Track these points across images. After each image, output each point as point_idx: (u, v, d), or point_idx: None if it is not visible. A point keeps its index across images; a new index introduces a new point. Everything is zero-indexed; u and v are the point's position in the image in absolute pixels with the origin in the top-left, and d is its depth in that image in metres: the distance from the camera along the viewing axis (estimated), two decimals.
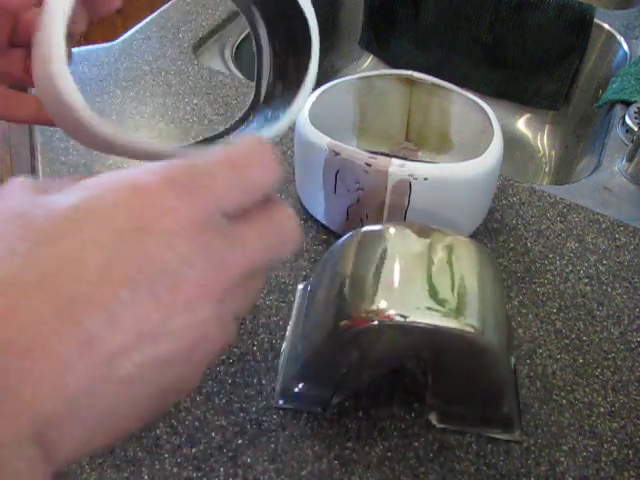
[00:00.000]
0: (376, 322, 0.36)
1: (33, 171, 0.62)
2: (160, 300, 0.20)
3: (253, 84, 0.38)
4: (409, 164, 0.48)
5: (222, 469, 0.41)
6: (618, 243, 0.57)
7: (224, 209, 0.23)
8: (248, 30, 0.37)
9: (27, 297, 0.19)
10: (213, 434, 0.42)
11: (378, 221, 0.51)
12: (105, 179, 0.22)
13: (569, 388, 0.46)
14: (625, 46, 0.81)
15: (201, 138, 0.33)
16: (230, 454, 0.42)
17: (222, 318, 0.22)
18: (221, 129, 0.36)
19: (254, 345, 0.47)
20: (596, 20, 0.81)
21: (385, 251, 0.39)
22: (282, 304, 0.50)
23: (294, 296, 0.50)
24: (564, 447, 0.43)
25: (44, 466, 0.19)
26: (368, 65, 0.99)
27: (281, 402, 0.44)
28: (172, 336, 0.21)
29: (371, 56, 0.98)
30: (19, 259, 0.20)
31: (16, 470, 0.18)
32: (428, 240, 0.39)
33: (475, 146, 0.55)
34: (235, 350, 0.47)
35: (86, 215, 0.21)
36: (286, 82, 0.34)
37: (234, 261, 0.22)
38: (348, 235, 0.42)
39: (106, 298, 0.20)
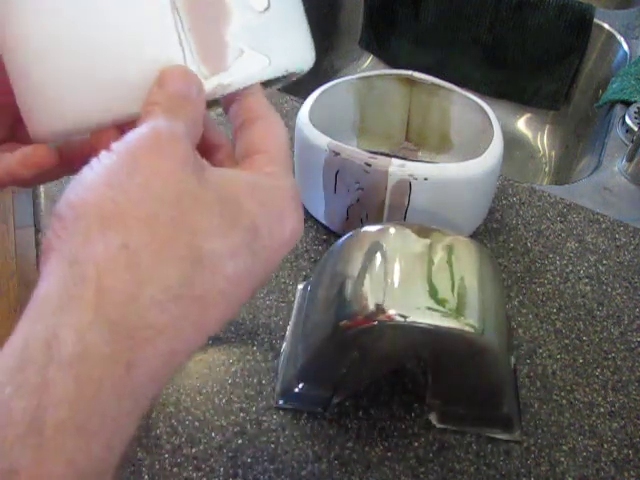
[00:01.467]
0: (376, 322, 0.36)
1: None
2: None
3: None
4: (409, 164, 0.48)
5: (222, 469, 0.41)
6: (618, 243, 0.57)
7: None
8: None
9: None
10: (213, 434, 0.42)
11: (378, 221, 0.51)
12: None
13: (569, 388, 0.46)
14: (625, 46, 0.81)
15: None
16: (230, 454, 0.42)
17: None
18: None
19: (254, 345, 0.47)
20: (596, 20, 0.81)
21: (385, 251, 0.39)
22: (282, 304, 0.50)
23: (294, 296, 0.50)
24: (564, 447, 0.43)
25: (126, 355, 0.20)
26: (368, 65, 0.98)
27: (281, 402, 0.44)
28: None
29: (371, 56, 0.98)
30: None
31: (101, 353, 0.20)
32: (428, 240, 0.39)
33: (475, 146, 0.55)
34: (235, 350, 0.47)
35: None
36: None
37: None
38: (348, 235, 0.42)
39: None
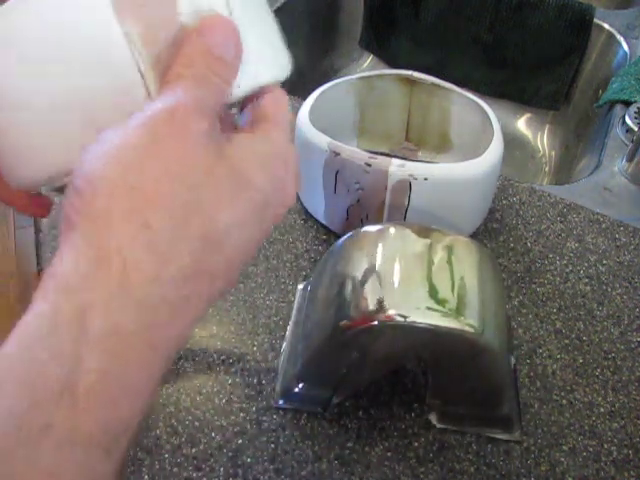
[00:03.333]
0: (376, 322, 0.36)
1: None
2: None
3: None
4: (409, 164, 0.48)
5: (222, 469, 0.41)
6: (618, 243, 0.57)
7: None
8: None
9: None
10: (213, 434, 0.42)
11: (378, 221, 0.51)
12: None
13: (569, 388, 0.46)
14: (625, 46, 0.81)
15: None
16: (230, 454, 0.42)
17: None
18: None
19: (254, 345, 0.47)
20: (596, 20, 0.81)
21: (385, 251, 0.39)
22: (282, 304, 0.50)
23: (294, 296, 0.50)
24: (564, 447, 0.43)
25: None
26: (368, 65, 0.98)
27: (281, 402, 0.44)
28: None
29: (371, 56, 0.98)
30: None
31: None
32: (428, 240, 0.39)
33: (475, 146, 0.55)
34: (235, 350, 0.47)
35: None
36: None
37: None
38: (348, 235, 0.42)
39: None
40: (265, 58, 0.28)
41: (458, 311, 0.36)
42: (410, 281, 0.37)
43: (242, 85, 0.26)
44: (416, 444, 0.43)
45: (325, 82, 0.58)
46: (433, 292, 0.37)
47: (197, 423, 0.43)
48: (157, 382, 0.22)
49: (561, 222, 0.58)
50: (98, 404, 0.20)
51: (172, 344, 0.22)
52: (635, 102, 0.70)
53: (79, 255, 0.21)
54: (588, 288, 0.53)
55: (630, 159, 0.64)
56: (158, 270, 0.21)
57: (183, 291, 0.22)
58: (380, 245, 0.40)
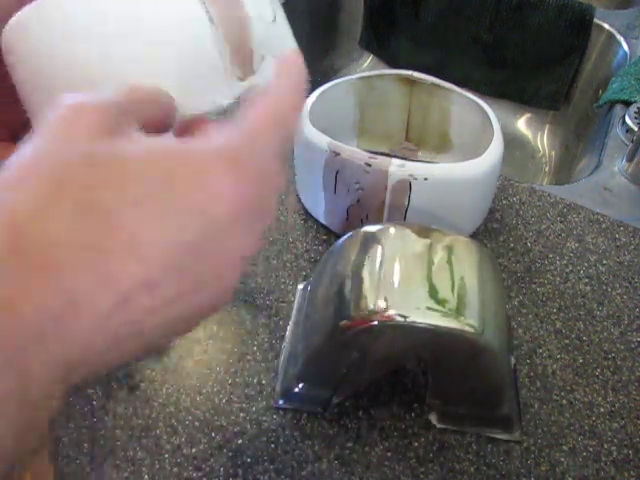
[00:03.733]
0: (376, 322, 0.36)
1: None
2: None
3: None
4: (409, 164, 0.48)
5: (222, 469, 0.41)
6: (618, 243, 0.57)
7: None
8: None
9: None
10: (213, 434, 0.42)
11: (378, 221, 0.51)
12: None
13: (569, 388, 0.46)
14: (625, 46, 0.81)
15: None
16: (230, 454, 0.42)
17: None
18: None
19: (254, 345, 0.47)
20: (596, 20, 0.81)
21: (385, 251, 0.39)
22: (282, 304, 0.50)
23: (294, 296, 0.50)
24: (564, 447, 0.43)
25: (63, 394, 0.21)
26: (368, 65, 0.99)
27: (281, 402, 0.44)
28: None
29: (371, 56, 0.98)
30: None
31: (46, 406, 0.20)
32: (428, 240, 0.39)
33: (475, 146, 0.55)
34: (235, 350, 0.47)
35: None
36: None
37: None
38: (348, 235, 0.42)
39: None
40: None
41: (458, 311, 0.36)
42: (410, 281, 0.37)
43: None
44: (416, 444, 0.43)
45: (325, 82, 0.58)
46: (433, 292, 0.37)
47: (197, 423, 0.43)
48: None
49: (561, 222, 0.58)
50: None
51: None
52: (635, 102, 0.70)
53: None
54: (588, 288, 0.53)
55: (630, 159, 0.64)
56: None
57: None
58: (380, 245, 0.40)
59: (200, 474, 0.41)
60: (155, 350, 0.24)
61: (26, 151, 0.22)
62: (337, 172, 0.50)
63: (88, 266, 0.21)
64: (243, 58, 0.29)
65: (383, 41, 0.95)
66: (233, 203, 0.23)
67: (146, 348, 0.23)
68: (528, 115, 0.92)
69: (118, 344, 0.22)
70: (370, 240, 0.40)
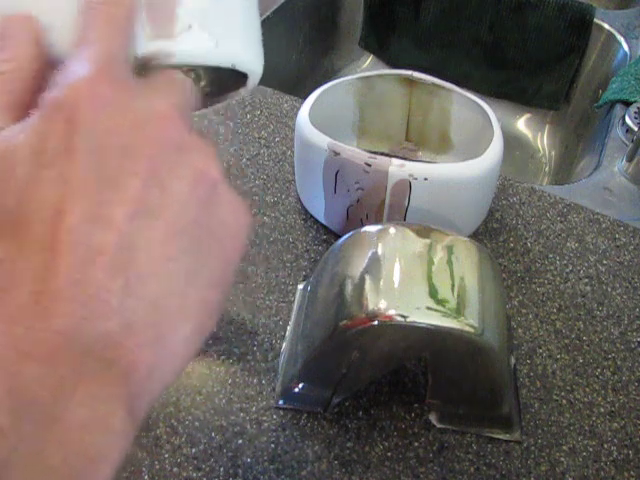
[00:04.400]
0: (376, 322, 0.36)
1: None
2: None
3: None
4: (409, 164, 0.48)
5: (222, 469, 0.41)
6: (618, 243, 0.57)
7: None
8: None
9: None
10: (213, 434, 0.42)
11: (378, 221, 0.51)
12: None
13: (569, 388, 0.46)
14: (625, 46, 0.81)
15: None
16: (230, 454, 0.42)
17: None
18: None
19: (254, 345, 0.47)
20: (596, 20, 0.81)
21: (385, 251, 0.39)
22: (282, 304, 0.50)
23: (294, 296, 0.50)
24: (564, 447, 0.43)
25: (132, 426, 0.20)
26: (368, 65, 0.99)
27: (281, 402, 0.44)
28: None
29: (371, 56, 0.98)
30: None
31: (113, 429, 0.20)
32: (428, 240, 0.39)
33: (475, 146, 0.55)
34: (235, 350, 0.47)
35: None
36: None
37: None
38: (348, 235, 0.42)
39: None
40: (243, 42, 0.28)
41: (458, 311, 0.36)
42: (410, 281, 0.37)
43: (220, 49, 0.26)
44: (416, 444, 0.43)
45: (325, 82, 0.58)
46: (433, 292, 0.37)
47: (197, 423, 0.43)
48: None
49: (561, 222, 0.58)
50: None
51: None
52: (635, 102, 0.70)
53: None
54: (588, 288, 0.53)
55: (630, 159, 0.64)
56: None
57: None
58: (380, 245, 0.40)
59: (200, 474, 0.41)
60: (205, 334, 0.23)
61: None
62: (337, 172, 0.50)
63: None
64: (160, 16, 0.25)
65: (383, 41, 0.95)
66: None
67: (198, 328, 0.22)
68: (528, 115, 0.92)
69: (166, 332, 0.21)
70: (370, 240, 0.40)
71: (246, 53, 0.28)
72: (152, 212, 0.21)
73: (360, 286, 0.38)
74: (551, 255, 0.55)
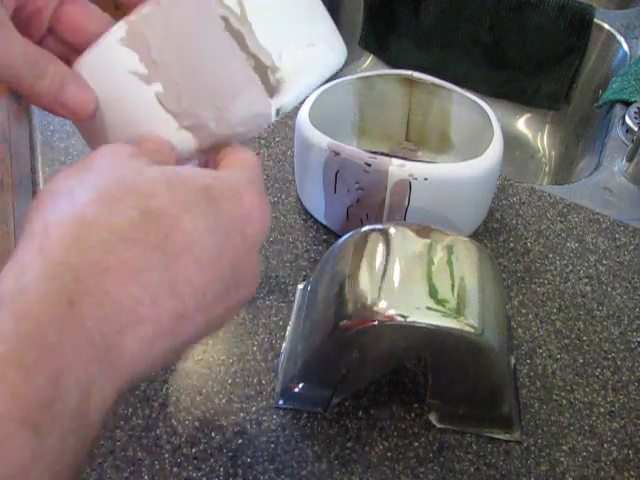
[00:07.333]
0: (376, 322, 0.36)
1: (33, 171, 0.62)
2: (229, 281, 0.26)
3: None
4: (409, 164, 0.48)
5: (222, 469, 0.41)
6: (618, 243, 0.57)
7: None
8: None
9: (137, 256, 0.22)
10: (213, 434, 0.42)
11: (378, 221, 0.51)
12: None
13: (569, 388, 0.46)
14: (625, 46, 0.81)
15: None
16: (230, 454, 0.42)
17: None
18: None
19: (254, 345, 0.47)
20: (596, 20, 0.81)
21: (385, 251, 0.39)
22: (282, 304, 0.50)
23: (294, 296, 0.50)
24: (564, 447, 0.43)
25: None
26: (368, 65, 0.98)
27: (281, 402, 0.44)
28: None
29: (371, 56, 0.98)
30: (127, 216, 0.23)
31: (101, 424, 0.22)
32: (428, 240, 0.39)
33: (475, 146, 0.55)
34: (235, 350, 0.47)
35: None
36: None
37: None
38: (348, 235, 0.42)
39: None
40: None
41: (458, 311, 0.36)
42: (410, 281, 0.37)
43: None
44: (416, 444, 0.43)
45: (325, 82, 0.58)
46: (433, 292, 0.37)
47: (197, 423, 0.43)
48: (96, 348, 0.21)
49: (561, 222, 0.58)
50: (11, 373, 0.19)
51: (102, 301, 0.21)
52: (635, 102, 0.70)
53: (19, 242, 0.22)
54: (588, 288, 0.53)
55: (630, 159, 0.64)
56: (80, 234, 0.22)
57: (114, 253, 0.22)
58: (380, 245, 0.40)
59: (200, 474, 0.41)
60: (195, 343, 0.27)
61: (85, 167, 0.25)
62: (337, 172, 0.50)
63: (157, 265, 0.23)
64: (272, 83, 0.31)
65: (383, 41, 0.95)
66: (261, 221, 0.27)
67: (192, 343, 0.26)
68: (528, 115, 0.92)
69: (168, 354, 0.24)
70: (370, 240, 0.40)
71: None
72: None
73: (360, 286, 0.38)
74: (551, 255, 0.55)
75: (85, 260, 0.21)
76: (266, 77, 0.30)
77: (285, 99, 0.31)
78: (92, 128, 0.32)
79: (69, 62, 0.30)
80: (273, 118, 0.32)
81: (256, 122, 0.32)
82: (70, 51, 0.32)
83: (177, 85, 0.30)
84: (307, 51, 0.31)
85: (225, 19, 0.29)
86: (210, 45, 0.29)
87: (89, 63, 0.30)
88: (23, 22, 0.30)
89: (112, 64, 0.30)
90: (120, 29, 0.29)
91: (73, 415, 0.20)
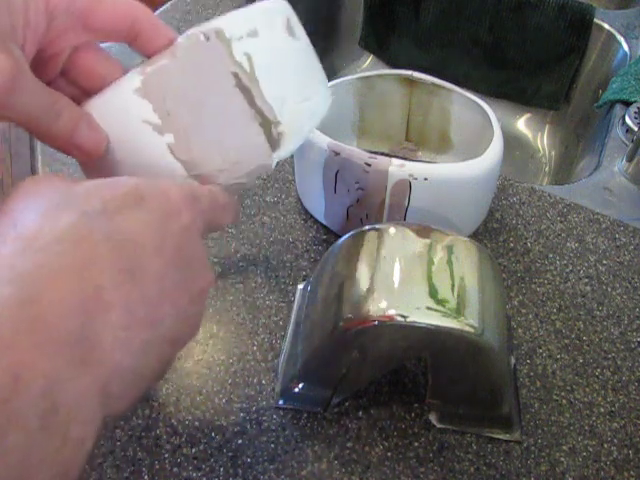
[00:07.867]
0: (376, 322, 0.36)
1: (33, 171, 0.62)
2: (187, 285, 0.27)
3: None
4: (409, 164, 0.48)
5: (222, 469, 0.41)
6: (618, 243, 0.57)
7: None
8: None
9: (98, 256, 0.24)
10: (213, 434, 0.42)
11: (378, 221, 0.51)
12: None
13: (569, 388, 0.46)
14: (625, 46, 0.81)
15: None
16: (230, 454, 0.42)
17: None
18: None
19: (254, 345, 0.47)
20: (596, 20, 0.81)
21: (385, 251, 0.39)
22: (282, 304, 0.50)
23: (294, 296, 0.50)
24: (564, 447, 0.43)
25: (101, 415, 0.23)
26: (368, 65, 0.98)
27: (281, 402, 0.44)
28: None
29: (371, 56, 0.98)
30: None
31: (84, 419, 0.22)
32: (428, 240, 0.39)
33: (475, 146, 0.55)
34: (235, 350, 0.47)
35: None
36: None
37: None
38: (348, 235, 0.42)
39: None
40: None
41: (458, 311, 0.36)
42: (410, 281, 0.37)
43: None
44: (416, 444, 0.43)
45: None
46: (433, 292, 0.37)
47: (197, 423, 0.43)
48: (59, 346, 0.21)
49: (561, 222, 0.58)
50: None
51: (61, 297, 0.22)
52: (635, 102, 0.70)
53: None
54: (588, 288, 0.53)
55: (630, 159, 0.64)
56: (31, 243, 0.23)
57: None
58: (380, 245, 0.40)
59: (200, 474, 0.41)
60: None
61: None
62: (337, 172, 0.50)
63: (107, 255, 0.24)
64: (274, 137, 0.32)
65: (383, 41, 0.95)
66: (191, 212, 0.28)
67: (168, 359, 0.27)
68: (528, 115, 0.92)
69: (142, 360, 0.25)
70: (370, 240, 0.40)
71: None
72: None
73: (360, 286, 0.38)
74: (551, 255, 0.55)
75: (36, 263, 0.22)
76: (269, 131, 0.32)
77: (284, 151, 0.33)
78: (98, 167, 0.32)
79: (77, 103, 0.31)
80: (272, 168, 0.33)
81: (258, 173, 0.33)
82: (80, 93, 0.33)
83: (188, 136, 0.30)
84: (304, 105, 0.33)
85: (235, 75, 0.30)
86: (221, 100, 0.30)
87: (101, 106, 0.31)
88: (39, 65, 0.31)
89: (126, 111, 0.30)
90: (136, 79, 0.30)
91: (39, 413, 0.20)
